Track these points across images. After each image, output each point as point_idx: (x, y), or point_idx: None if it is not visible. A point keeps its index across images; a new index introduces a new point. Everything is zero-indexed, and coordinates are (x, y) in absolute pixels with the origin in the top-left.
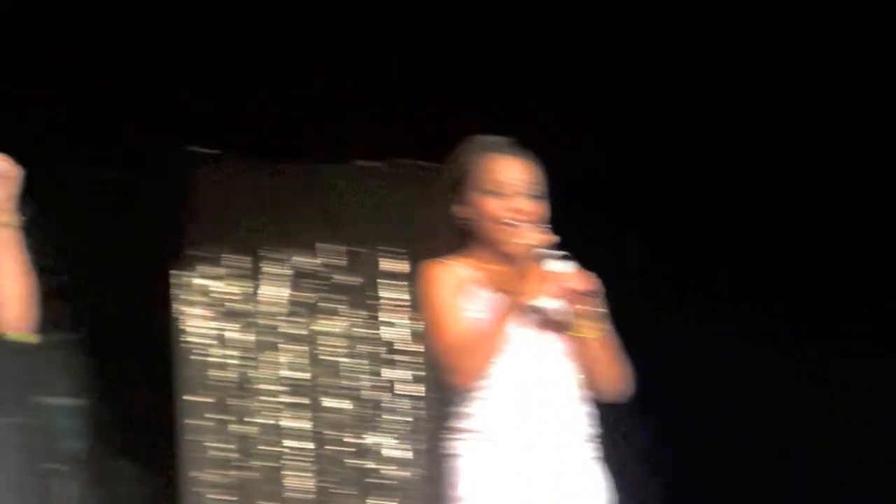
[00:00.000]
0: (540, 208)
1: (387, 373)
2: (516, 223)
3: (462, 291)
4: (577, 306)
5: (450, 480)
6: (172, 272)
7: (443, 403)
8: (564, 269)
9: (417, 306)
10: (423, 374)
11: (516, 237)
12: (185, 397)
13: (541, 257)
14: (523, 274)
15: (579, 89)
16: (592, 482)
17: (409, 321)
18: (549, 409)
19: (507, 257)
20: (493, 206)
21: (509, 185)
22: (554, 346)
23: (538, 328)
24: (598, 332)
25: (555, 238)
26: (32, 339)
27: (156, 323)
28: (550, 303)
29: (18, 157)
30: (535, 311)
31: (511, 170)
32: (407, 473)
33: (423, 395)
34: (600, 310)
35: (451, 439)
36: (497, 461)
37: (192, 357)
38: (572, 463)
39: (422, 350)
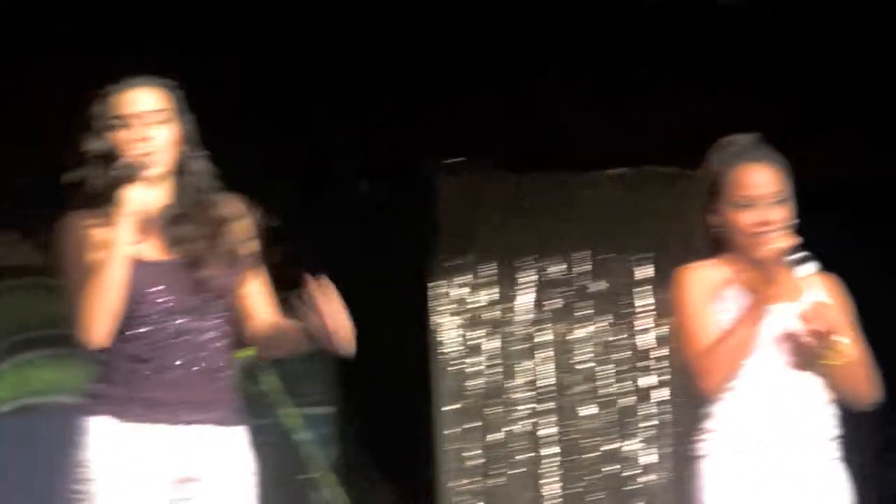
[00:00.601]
0: (786, 212)
1: (635, 378)
2: (765, 232)
3: (714, 295)
4: (824, 339)
5: (695, 483)
6: (430, 284)
7: (689, 407)
8: (810, 270)
9: (668, 310)
10: (668, 378)
11: (766, 244)
12: (443, 407)
13: (789, 262)
14: (772, 278)
15: (825, 88)
16: (834, 482)
17: (654, 326)
18: (794, 410)
19: (757, 263)
20: (743, 218)
21: (758, 196)
22: (799, 349)
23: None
24: (845, 358)
25: (798, 239)
26: (251, 352)
27: (412, 334)
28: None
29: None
30: (788, 338)
31: (759, 179)
32: (654, 477)
33: (669, 399)
34: (846, 339)
35: (697, 441)
36: (742, 462)
37: (449, 368)
38: (815, 463)
39: (667, 354)
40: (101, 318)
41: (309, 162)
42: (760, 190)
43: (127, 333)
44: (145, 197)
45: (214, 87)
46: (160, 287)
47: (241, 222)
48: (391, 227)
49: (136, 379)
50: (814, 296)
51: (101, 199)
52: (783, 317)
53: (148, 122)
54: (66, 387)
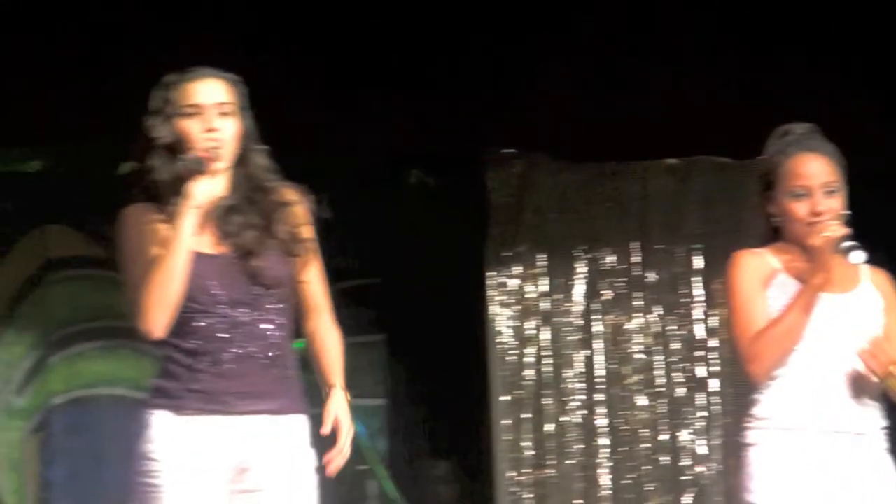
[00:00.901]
0: (839, 201)
1: (687, 368)
2: (819, 221)
3: (766, 283)
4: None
5: (744, 471)
6: (487, 273)
7: (739, 397)
8: (861, 259)
9: (722, 297)
10: (719, 368)
11: (818, 233)
12: (501, 397)
13: (842, 250)
14: (824, 266)
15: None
16: (882, 472)
17: (704, 316)
18: (843, 399)
19: (810, 251)
20: (797, 208)
21: (811, 186)
22: (850, 337)
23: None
24: None
25: (848, 229)
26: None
27: (466, 324)
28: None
29: (329, 166)
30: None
31: (813, 169)
32: (706, 468)
33: (720, 389)
34: None
35: (746, 429)
36: (790, 450)
37: (506, 357)
38: (863, 453)
39: (717, 346)
40: (161, 308)
41: (362, 152)
42: (814, 180)
43: (182, 327)
44: (211, 190)
45: (268, 78)
46: (214, 281)
47: (294, 209)
48: (445, 218)
49: (191, 372)
50: (866, 288)
51: (163, 190)
52: (836, 306)
53: (216, 114)
54: (117, 379)
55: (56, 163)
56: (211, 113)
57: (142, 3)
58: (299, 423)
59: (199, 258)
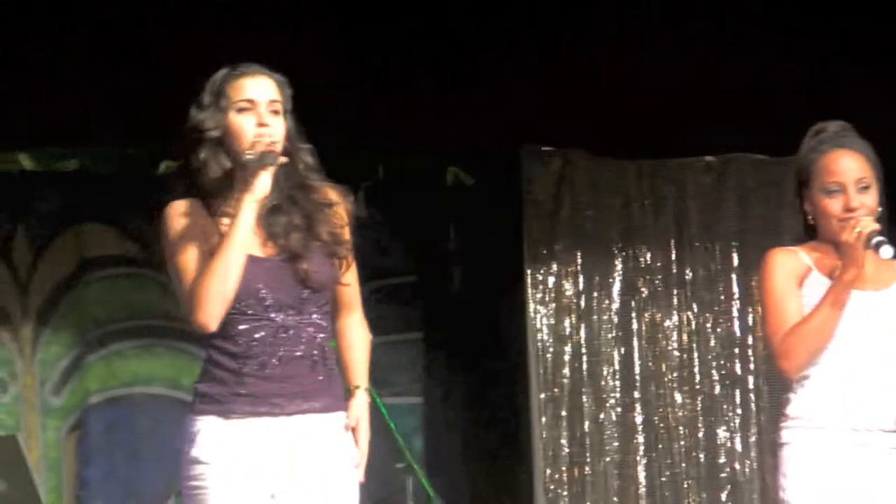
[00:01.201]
0: (873, 198)
1: (723, 366)
2: (851, 217)
3: (802, 279)
4: None
5: (778, 469)
6: (526, 270)
7: (775, 394)
8: (890, 253)
9: (757, 294)
10: (755, 366)
11: (851, 229)
12: (539, 395)
13: (872, 245)
14: (855, 262)
15: None
16: None
17: (741, 314)
18: (877, 398)
19: (842, 247)
20: (831, 204)
21: (844, 182)
22: (883, 335)
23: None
24: None
25: (879, 225)
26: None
27: (505, 321)
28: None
29: (367, 164)
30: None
31: (846, 166)
32: (742, 466)
33: (755, 387)
34: None
35: (781, 428)
36: (825, 449)
37: (544, 355)
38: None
39: (753, 343)
40: (218, 301)
41: (401, 150)
42: (847, 176)
43: (227, 330)
44: (268, 185)
45: (308, 75)
46: (261, 285)
47: (336, 209)
48: (483, 215)
49: (238, 376)
50: None
51: (210, 185)
52: (869, 304)
53: (268, 111)
54: (154, 378)
55: (92, 162)
56: (263, 109)
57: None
58: (342, 421)
59: (249, 260)
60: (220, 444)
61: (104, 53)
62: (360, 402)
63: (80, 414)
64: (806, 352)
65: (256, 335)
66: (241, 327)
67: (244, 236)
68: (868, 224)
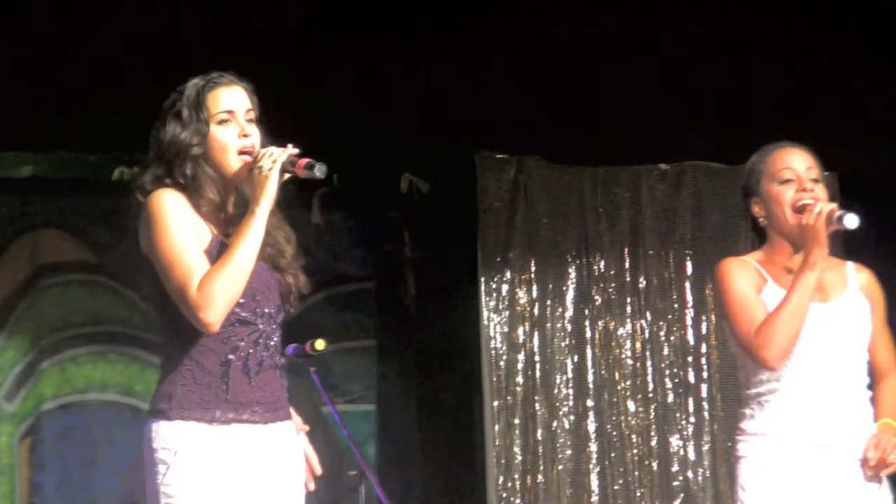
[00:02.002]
0: (822, 191)
1: (677, 374)
2: (808, 201)
3: (758, 287)
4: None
5: (736, 481)
6: (480, 278)
7: (727, 402)
8: (856, 222)
9: (715, 302)
10: (709, 374)
11: (811, 211)
12: (494, 403)
13: (835, 220)
14: (819, 241)
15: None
16: (872, 484)
17: (694, 322)
18: (836, 411)
19: (804, 230)
20: (785, 192)
21: (798, 171)
22: (847, 345)
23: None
24: None
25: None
26: (321, 346)
27: (460, 329)
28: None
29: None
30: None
31: (798, 157)
32: (695, 474)
33: (709, 395)
34: None
35: (738, 441)
36: (783, 461)
37: (498, 363)
38: (855, 463)
39: (707, 351)
40: (229, 303)
41: (355, 157)
42: (798, 165)
43: (219, 332)
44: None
45: (264, 84)
46: (254, 288)
47: (293, 244)
48: (438, 222)
49: (223, 379)
50: (852, 292)
51: (192, 193)
52: (824, 316)
53: (246, 119)
54: (108, 384)
55: (47, 168)
56: (242, 119)
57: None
58: (293, 429)
59: None
60: (206, 452)
61: (60, 58)
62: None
63: (35, 420)
64: (784, 338)
65: (242, 338)
66: (228, 328)
67: (259, 241)
68: (826, 204)
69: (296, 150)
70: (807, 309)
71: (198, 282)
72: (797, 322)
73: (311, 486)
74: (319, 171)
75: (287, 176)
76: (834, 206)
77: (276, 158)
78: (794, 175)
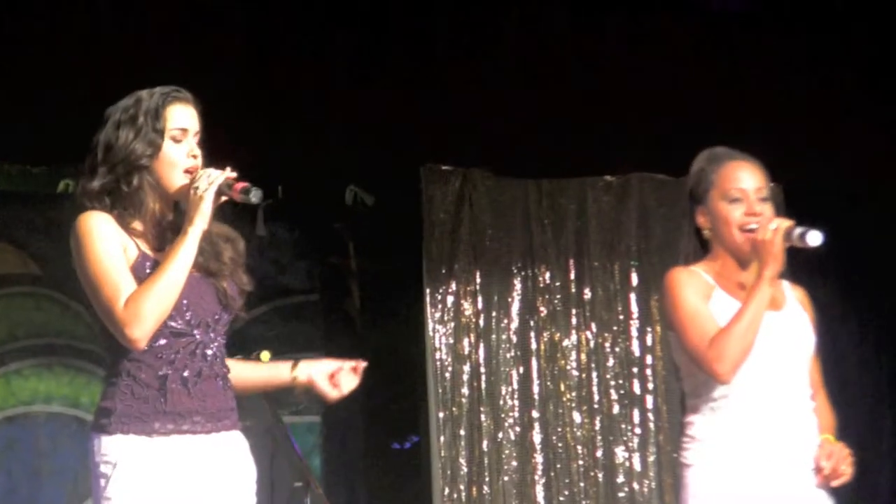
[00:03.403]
0: (770, 209)
1: (622, 385)
2: (755, 224)
3: (707, 296)
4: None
5: (682, 491)
6: (427, 290)
7: (673, 413)
8: (818, 239)
9: (663, 313)
10: (654, 386)
11: (765, 227)
12: (439, 414)
13: (797, 236)
14: (775, 256)
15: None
16: (819, 492)
17: (640, 333)
18: (781, 419)
19: (747, 262)
20: (734, 212)
21: (746, 190)
22: (798, 354)
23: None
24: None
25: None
26: (266, 357)
27: (405, 340)
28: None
29: (265, 184)
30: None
31: (748, 174)
32: (639, 485)
33: (655, 407)
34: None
35: (684, 450)
36: (731, 469)
37: (443, 374)
38: (801, 472)
39: (652, 363)
40: (157, 319)
41: (299, 169)
42: (747, 184)
43: (151, 346)
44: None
45: (208, 96)
46: (184, 299)
47: (236, 244)
48: (383, 234)
49: (160, 392)
50: (793, 305)
51: (136, 208)
52: (771, 324)
53: (195, 140)
54: (53, 396)
55: None
56: (192, 139)
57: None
58: (243, 438)
59: None
60: (147, 464)
61: (2, 69)
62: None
63: None
64: (738, 352)
65: (178, 349)
66: (163, 341)
67: (190, 261)
68: (784, 221)
69: (233, 174)
70: (760, 324)
71: (125, 299)
72: (751, 336)
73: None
74: (255, 196)
75: (224, 199)
76: (791, 222)
77: (213, 180)
78: (743, 195)
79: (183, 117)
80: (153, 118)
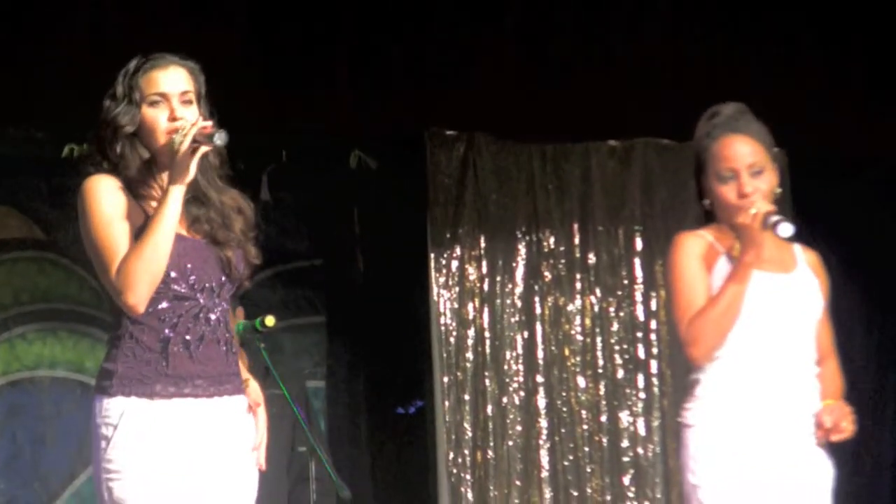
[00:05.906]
0: (767, 181)
1: (627, 350)
2: (747, 202)
3: (711, 264)
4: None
5: (683, 451)
6: (430, 254)
7: (679, 378)
8: (789, 231)
9: (664, 278)
10: (659, 350)
11: (747, 211)
12: (444, 379)
13: (770, 225)
14: (754, 242)
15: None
16: (819, 452)
17: (644, 298)
18: (782, 380)
19: (740, 229)
20: (725, 191)
21: (738, 168)
22: (805, 316)
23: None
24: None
25: (774, 206)
26: (271, 322)
27: (409, 305)
28: None
29: (271, 148)
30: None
31: (738, 151)
32: (643, 450)
33: (659, 371)
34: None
35: (686, 410)
36: (732, 430)
37: (448, 339)
38: (802, 432)
39: (657, 327)
40: (149, 282)
41: (304, 133)
42: (739, 162)
43: (154, 309)
44: (195, 171)
45: (211, 60)
46: (188, 262)
47: (245, 215)
48: (387, 199)
49: (162, 354)
50: (802, 269)
51: (127, 175)
52: (777, 285)
53: (180, 102)
54: (57, 361)
55: None
56: (175, 102)
57: None
58: (245, 403)
59: (177, 238)
60: (147, 426)
61: (6, 34)
62: (256, 386)
63: None
64: (713, 337)
65: (181, 313)
66: (166, 304)
67: (174, 220)
68: (763, 205)
69: (208, 123)
70: (739, 308)
71: (117, 266)
72: (727, 321)
73: (262, 464)
74: (219, 138)
75: (205, 150)
76: (771, 207)
77: (187, 133)
78: (735, 174)
79: (159, 82)
80: (129, 89)
